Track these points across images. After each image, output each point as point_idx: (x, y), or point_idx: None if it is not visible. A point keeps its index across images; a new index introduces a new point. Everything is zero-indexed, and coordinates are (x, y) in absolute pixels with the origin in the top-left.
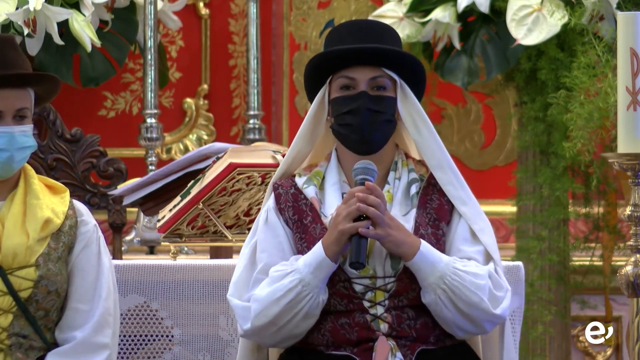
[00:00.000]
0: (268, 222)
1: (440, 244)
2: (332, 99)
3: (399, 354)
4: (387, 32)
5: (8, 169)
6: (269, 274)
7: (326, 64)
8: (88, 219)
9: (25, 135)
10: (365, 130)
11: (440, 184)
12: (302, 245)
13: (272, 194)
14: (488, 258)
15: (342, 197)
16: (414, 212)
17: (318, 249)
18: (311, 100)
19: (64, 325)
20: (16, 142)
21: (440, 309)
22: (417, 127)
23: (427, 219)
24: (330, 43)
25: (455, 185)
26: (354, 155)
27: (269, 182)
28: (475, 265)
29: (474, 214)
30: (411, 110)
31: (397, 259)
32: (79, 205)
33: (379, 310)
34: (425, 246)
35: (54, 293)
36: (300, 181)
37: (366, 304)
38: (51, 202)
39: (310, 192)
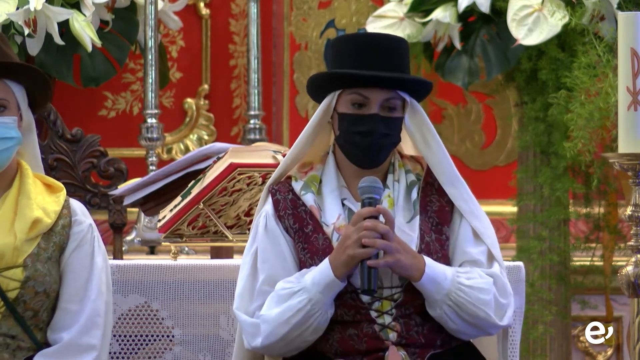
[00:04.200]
0: (267, 229)
1: (445, 249)
2: (342, 113)
3: None
4: (399, 50)
5: None
6: (275, 290)
7: (339, 83)
8: (82, 218)
9: (5, 126)
10: (373, 153)
11: (452, 199)
12: (304, 255)
13: (270, 200)
14: (491, 258)
15: (342, 203)
16: (417, 218)
17: (325, 268)
18: (315, 99)
19: (55, 325)
20: None
21: (445, 322)
22: (427, 143)
23: (430, 224)
24: (340, 56)
25: (466, 200)
26: (355, 166)
27: None
28: (480, 277)
29: (485, 228)
30: (421, 127)
31: None
32: (76, 204)
33: (387, 319)
34: (430, 266)
35: (42, 294)
36: (297, 186)
37: (373, 314)
38: (44, 201)
39: (309, 199)
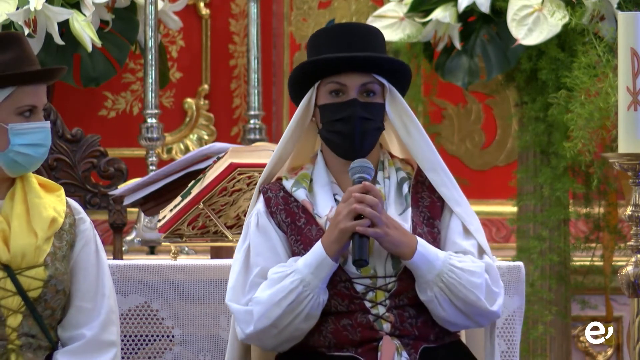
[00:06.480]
0: (259, 226)
1: (437, 242)
2: (322, 104)
3: (404, 353)
4: (372, 35)
5: (36, 166)
6: (267, 277)
7: (315, 71)
8: (85, 217)
9: (48, 132)
10: (357, 139)
11: (434, 186)
12: (298, 247)
13: (262, 198)
14: (481, 252)
15: (334, 197)
16: (409, 211)
17: (318, 248)
18: (296, 102)
19: (68, 323)
20: (49, 138)
21: (435, 307)
22: (408, 130)
23: (422, 217)
24: (315, 48)
25: (448, 187)
26: (342, 158)
27: None
28: (472, 261)
29: (468, 214)
30: (401, 114)
31: (398, 259)
32: (74, 203)
33: (381, 310)
34: (422, 245)
35: (61, 292)
36: (288, 184)
37: (367, 304)
38: (51, 200)
39: (300, 194)
